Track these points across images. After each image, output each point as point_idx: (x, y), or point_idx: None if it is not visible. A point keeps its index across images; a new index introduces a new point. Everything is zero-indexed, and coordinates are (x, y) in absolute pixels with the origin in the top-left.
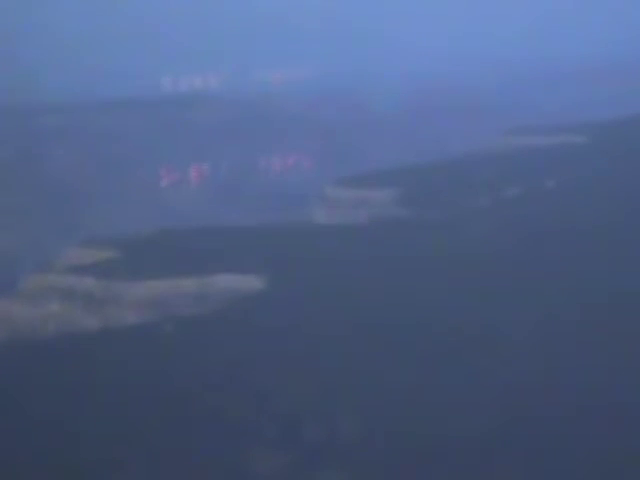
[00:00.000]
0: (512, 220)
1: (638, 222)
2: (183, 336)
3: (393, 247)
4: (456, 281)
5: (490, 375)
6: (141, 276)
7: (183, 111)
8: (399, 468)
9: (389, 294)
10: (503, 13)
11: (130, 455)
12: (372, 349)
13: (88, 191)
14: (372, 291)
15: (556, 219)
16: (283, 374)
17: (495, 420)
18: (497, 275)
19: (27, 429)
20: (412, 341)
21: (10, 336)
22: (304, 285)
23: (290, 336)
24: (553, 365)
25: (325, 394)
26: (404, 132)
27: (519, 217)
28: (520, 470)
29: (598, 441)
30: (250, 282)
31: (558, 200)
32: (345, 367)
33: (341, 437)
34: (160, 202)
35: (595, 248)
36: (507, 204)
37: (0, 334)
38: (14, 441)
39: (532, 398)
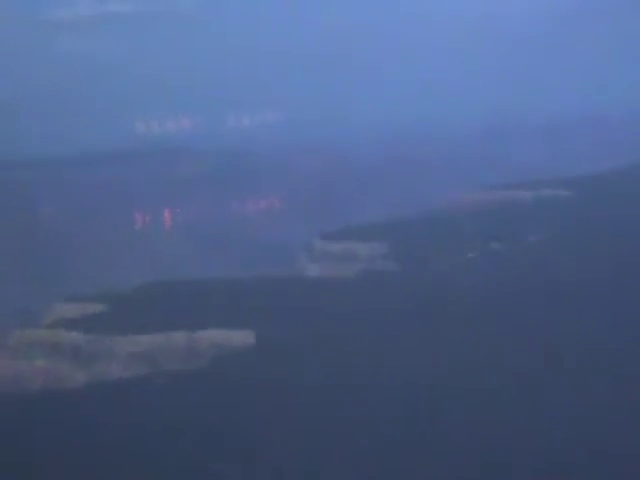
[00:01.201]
0: (498, 276)
1: (622, 279)
2: (172, 392)
3: (383, 302)
4: (442, 339)
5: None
6: (129, 330)
7: (162, 163)
8: None
9: (377, 352)
10: (479, 63)
11: None
12: (359, 407)
13: (72, 245)
14: (361, 349)
15: (540, 275)
16: (271, 432)
17: None
18: (481, 332)
19: None
20: (398, 400)
21: None
22: (293, 341)
23: (279, 393)
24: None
25: (312, 453)
26: (386, 184)
27: (505, 273)
28: None
29: None
30: (240, 337)
31: (542, 255)
32: (333, 426)
33: None
34: (146, 256)
35: (577, 307)
36: (492, 259)
37: None
38: None
39: None
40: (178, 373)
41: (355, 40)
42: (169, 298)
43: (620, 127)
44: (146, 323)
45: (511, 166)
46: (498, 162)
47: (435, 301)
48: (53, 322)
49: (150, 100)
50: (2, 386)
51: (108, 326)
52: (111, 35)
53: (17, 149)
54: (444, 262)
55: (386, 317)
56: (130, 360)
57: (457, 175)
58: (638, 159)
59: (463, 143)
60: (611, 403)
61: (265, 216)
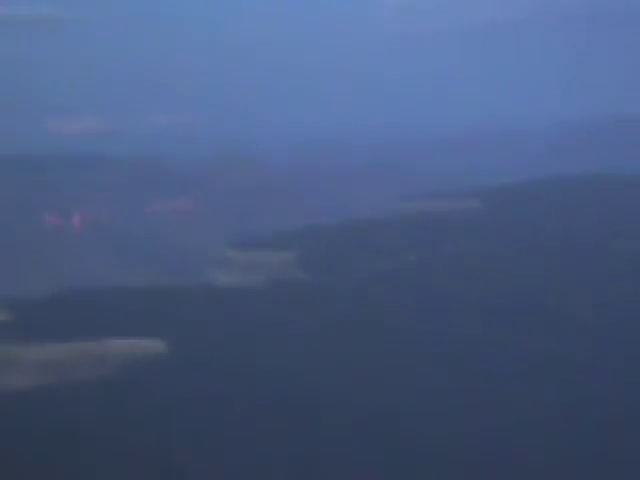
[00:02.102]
0: (409, 289)
1: (537, 288)
2: (80, 402)
3: (292, 312)
4: (351, 351)
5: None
6: (36, 339)
7: (75, 168)
8: None
9: (287, 362)
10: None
11: None
12: (265, 418)
13: None
14: (270, 359)
15: (457, 286)
16: (180, 444)
17: None
18: (394, 343)
19: None
20: (311, 411)
21: None
22: (203, 350)
23: (188, 403)
24: None
25: (222, 465)
26: (302, 192)
27: (416, 286)
28: None
29: None
30: (149, 346)
31: (459, 267)
32: (241, 438)
33: None
34: (57, 263)
35: (496, 318)
36: (404, 272)
37: None
38: None
39: None
40: (87, 382)
41: (281, 42)
42: (79, 306)
43: (538, 139)
44: (54, 331)
45: (429, 176)
46: (417, 171)
47: (347, 313)
48: None
49: (65, 103)
50: None
51: (16, 334)
52: (38, 37)
53: None
54: (355, 273)
55: (295, 328)
56: (37, 369)
57: (375, 184)
58: (554, 170)
59: (383, 152)
60: None
61: (176, 224)
